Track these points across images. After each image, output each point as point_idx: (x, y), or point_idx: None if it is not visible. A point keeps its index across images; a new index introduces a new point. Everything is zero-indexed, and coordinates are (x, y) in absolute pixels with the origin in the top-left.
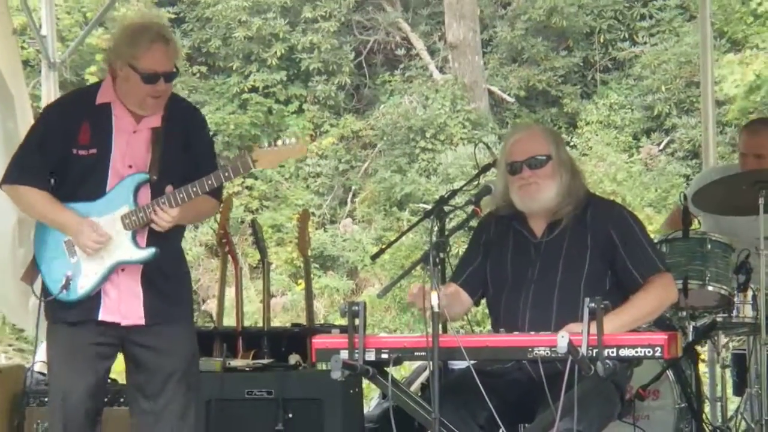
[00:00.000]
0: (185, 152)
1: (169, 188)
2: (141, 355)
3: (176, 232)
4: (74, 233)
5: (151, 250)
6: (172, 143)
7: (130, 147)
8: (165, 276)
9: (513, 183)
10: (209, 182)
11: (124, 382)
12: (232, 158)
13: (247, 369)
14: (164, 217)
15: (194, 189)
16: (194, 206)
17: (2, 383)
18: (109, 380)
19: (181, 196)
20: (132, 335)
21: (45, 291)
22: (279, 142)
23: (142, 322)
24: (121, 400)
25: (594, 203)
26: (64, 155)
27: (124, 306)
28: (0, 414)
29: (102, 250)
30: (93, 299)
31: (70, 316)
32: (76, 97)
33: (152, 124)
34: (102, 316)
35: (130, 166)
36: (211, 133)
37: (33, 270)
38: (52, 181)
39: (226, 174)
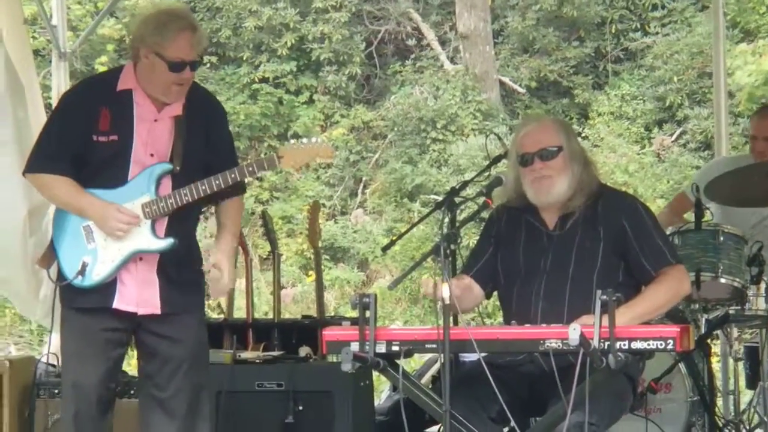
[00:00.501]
0: (206, 143)
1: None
2: (154, 344)
3: (192, 221)
4: (101, 218)
5: (170, 240)
6: (193, 133)
7: (152, 135)
8: (180, 265)
9: (525, 175)
10: (232, 176)
11: (135, 373)
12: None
13: (258, 361)
14: (225, 284)
15: (216, 182)
16: (232, 233)
17: (13, 375)
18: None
19: (203, 188)
20: (146, 324)
21: (60, 276)
22: (305, 140)
23: (158, 311)
24: (131, 392)
25: (606, 195)
26: (85, 141)
27: (141, 295)
28: (10, 405)
29: (121, 239)
30: (108, 287)
31: (85, 302)
32: (95, 82)
33: (174, 112)
34: (117, 304)
35: (152, 155)
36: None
37: (50, 254)
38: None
39: (250, 169)
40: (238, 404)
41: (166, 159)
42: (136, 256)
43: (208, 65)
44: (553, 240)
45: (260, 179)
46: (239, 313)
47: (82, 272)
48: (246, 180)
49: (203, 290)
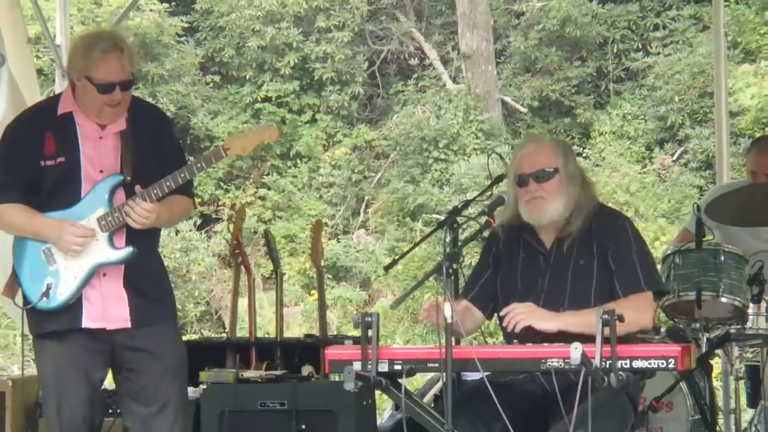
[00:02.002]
0: (155, 153)
1: (138, 188)
2: (133, 360)
3: (153, 232)
4: (56, 236)
5: (129, 249)
6: (140, 144)
7: (98, 152)
8: (147, 277)
9: (521, 196)
10: (182, 175)
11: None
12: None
13: (260, 380)
14: (140, 213)
15: (168, 183)
16: (169, 206)
17: (16, 395)
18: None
19: (155, 191)
20: (121, 340)
21: (25, 301)
22: (247, 127)
23: (129, 324)
24: (110, 411)
25: (601, 214)
26: (32, 168)
27: (109, 310)
28: (13, 425)
29: (80, 255)
30: (75, 306)
31: (54, 326)
32: (36, 110)
33: (117, 128)
34: (85, 323)
35: (101, 171)
36: (179, 138)
37: (13, 283)
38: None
39: (198, 165)
40: (241, 423)
41: (116, 173)
42: (100, 272)
43: (211, 84)
44: (549, 260)
45: (263, 198)
46: (242, 332)
47: (46, 294)
48: (193, 191)
49: (173, 300)
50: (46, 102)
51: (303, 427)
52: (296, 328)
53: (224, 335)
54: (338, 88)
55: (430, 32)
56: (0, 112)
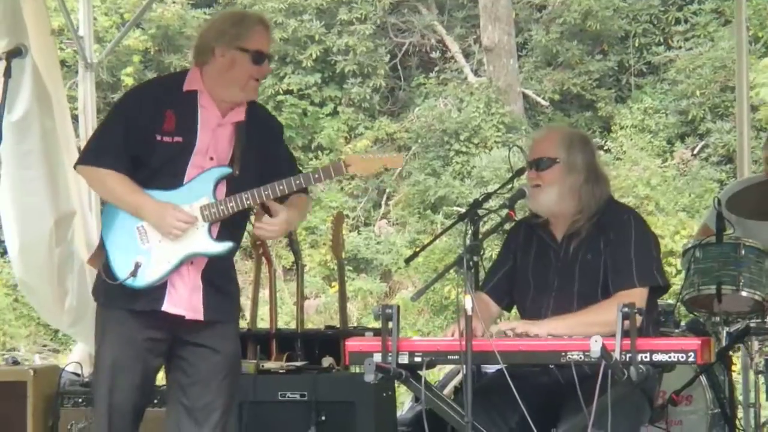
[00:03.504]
0: (264, 155)
1: (275, 207)
2: (192, 354)
3: (242, 229)
4: (157, 217)
5: (228, 244)
6: (253, 142)
7: (214, 139)
8: (221, 273)
9: (527, 182)
10: (297, 182)
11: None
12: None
13: (281, 371)
14: (268, 229)
15: (281, 187)
16: (297, 209)
17: (37, 383)
18: None
19: (266, 192)
20: (185, 334)
21: (111, 275)
22: (377, 153)
23: (202, 317)
24: (155, 401)
25: (610, 209)
26: (147, 141)
27: (190, 300)
28: (35, 415)
29: (177, 241)
30: (159, 289)
31: (133, 304)
32: (161, 82)
33: (237, 118)
34: (166, 307)
35: (212, 158)
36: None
37: (100, 253)
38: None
39: (316, 176)
40: (261, 414)
41: (225, 163)
42: (189, 260)
43: None
44: (560, 255)
45: None
46: (263, 323)
47: (134, 273)
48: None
49: (239, 301)
50: (171, 76)
51: (323, 418)
52: (317, 320)
53: (245, 326)
54: (360, 81)
55: (452, 25)
56: (24, 104)
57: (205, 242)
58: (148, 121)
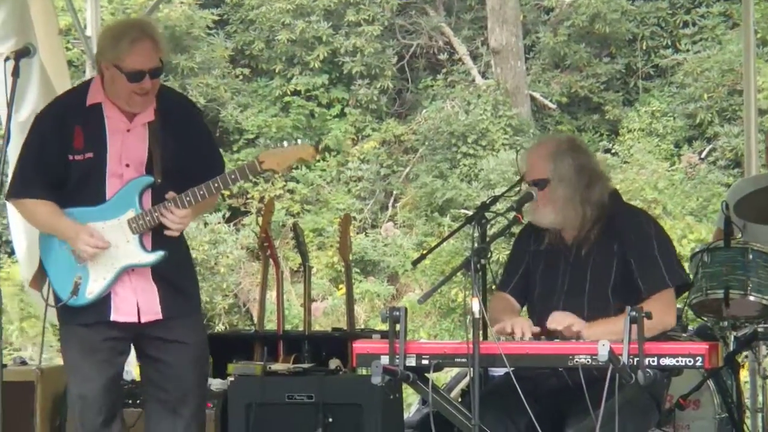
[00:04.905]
0: (183, 146)
1: (171, 194)
2: (159, 350)
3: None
4: (72, 240)
5: (159, 254)
6: (169, 138)
7: (126, 146)
8: (174, 269)
9: None
10: (215, 185)
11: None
12: (240, 164)
13: (288, 373)
14: (175, 220)
15: (201, 192)
16: (200, 206)
17: (44, 383)
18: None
19: (188, 199)
20: (148, 331)
21: (55, 296)
22: (285, 143)
23: (160, 316)
24: (137, 401)
25: (621, 212)
26: (61, 162)
27: (140, 304)
28: (41, 414)
29: (110, 255)
30: (104, 301)
31: (83, 319)
32: (66, 100)
33: (146, 119)
34: (114, 317)
35: (127, 165)
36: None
37: (41, 276)
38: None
39: (233, 176)
40: (268, 416)
41: (142, 167)
42: (126, 271)
43: (241, 77)
44: (570, 258)
45: (292, 192)
46: (270, 325)
47: (75, 291)
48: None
49: (199, 292)
50: (74, 91)
51: (330, 420)
52: (324, 322)
53: (252, 328)
54: (367, 82)
55: (460, 27)
56: (31, 103)
57: (137, 254)
58: (59, 143)
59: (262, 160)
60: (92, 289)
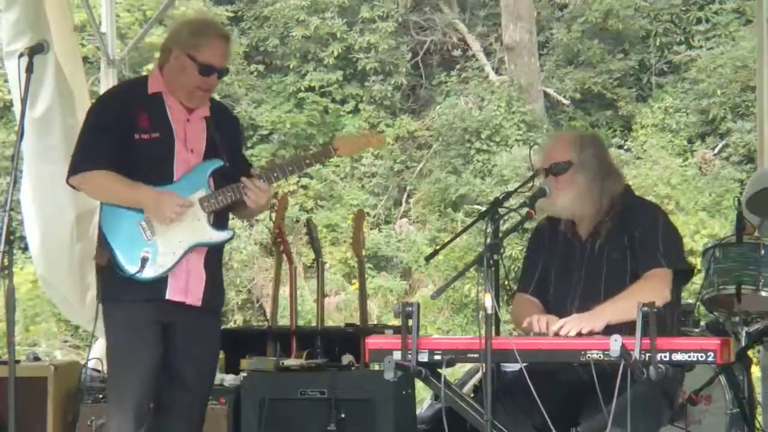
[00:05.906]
0: (230, 147)
1: (255, 169)
2: (182, 340)
3: (228, 221)
4: (153, 205)
5: (230, 233)
6: (220, 134)
7: (189, 133)
8: (217, 263)
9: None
10: (290, 168)
11: None
12: (313, 147)
13: (301, 369)
14: (258, 193)
15: (275, 174)
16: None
17: (57, 379)
18: None
19: (276, 174)
20: (182, 319)
21: (120, 270)
22: (355, 131)
23: (200, 303)
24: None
25: (634, 206)
26: (127, 141)
27: (188, 285)
28: (54, 410)
29: (180, 231)
30: (162, 279)
31: (137, 295)
32: (126, 87)
33: (203, 114)
34: (169, 295)
35: (192, 151)
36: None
37: (104, 251)
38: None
39: (307, 161)
40: (280, 411)
41: (201, 156)
42: (192, 250)
43: (255, 74)
44: (585, 253)
45: (305, 187)
46: (283, 320)
47: (142, 267)
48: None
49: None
50: (136, 80)
51: (342, 415)
52: (337, 317)
53: (265, 323)
54: (381, 79)
55: (474, 23)
56: (46, 99)
57: (208, 232)
58: (123, 123)
59: (336, 147)
60: (161, 264)
